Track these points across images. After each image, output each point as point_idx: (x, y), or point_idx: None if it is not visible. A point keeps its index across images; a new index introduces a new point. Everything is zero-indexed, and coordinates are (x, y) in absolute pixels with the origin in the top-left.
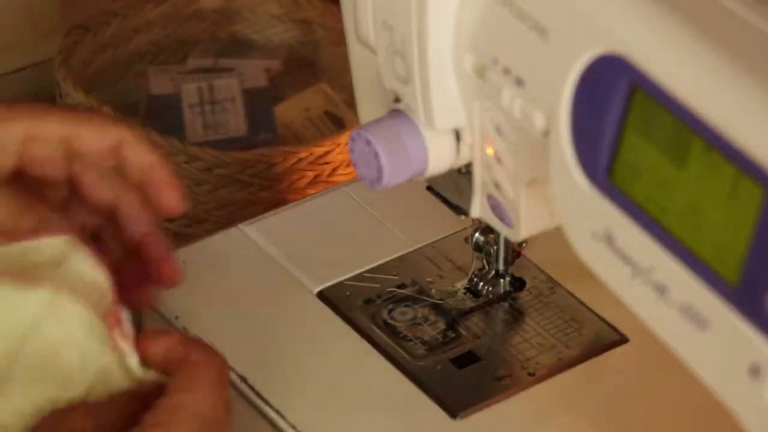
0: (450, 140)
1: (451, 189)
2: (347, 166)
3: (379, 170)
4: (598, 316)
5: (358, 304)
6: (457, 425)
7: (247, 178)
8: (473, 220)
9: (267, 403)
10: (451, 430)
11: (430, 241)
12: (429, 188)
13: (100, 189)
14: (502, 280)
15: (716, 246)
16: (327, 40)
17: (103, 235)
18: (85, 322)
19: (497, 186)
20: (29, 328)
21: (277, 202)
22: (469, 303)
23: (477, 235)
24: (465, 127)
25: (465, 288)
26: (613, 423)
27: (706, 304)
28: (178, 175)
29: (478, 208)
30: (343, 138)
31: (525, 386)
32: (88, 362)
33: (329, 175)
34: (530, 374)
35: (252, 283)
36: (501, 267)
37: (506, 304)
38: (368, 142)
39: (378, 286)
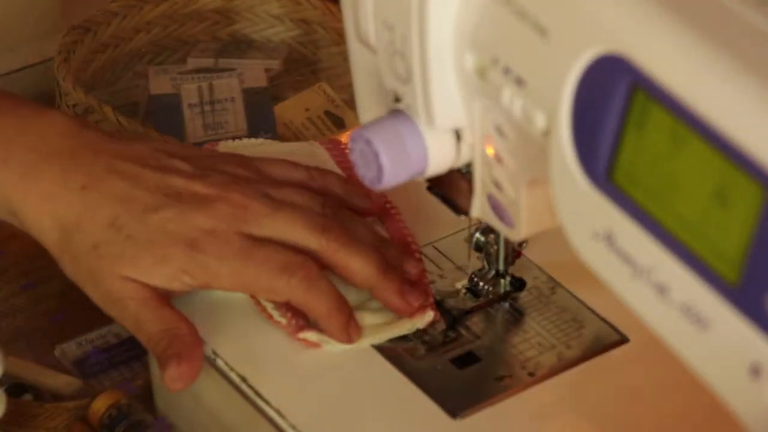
0: (450, 140)
1: (451, 189)
2: None
3: (379, 170)
4: (598, 316)
5: None
6: (457, 425)
7: None
8: (473, 220)
9: (267, 403)
10: (451, 430)
11: (430, 241)
12: (429, 188)
13: None
14: (502, 280)
15: (716, 246)
16: (327, 40)
17: None
18: None
19: (497, 186)
20: None
21: None
22: (470, 303)
23: (477, 235)
24: (465, 127)
25: (465, 288)
26: (613, 423)
27: (707, 304)
28: None
29: (478, 208)
30: (343, 138)
31: (525, 386)
32: None
33: None
34: (530, 374)
35: None
36: (501, 267)
37: (506, 304)
38: (368, 142)
39: None
